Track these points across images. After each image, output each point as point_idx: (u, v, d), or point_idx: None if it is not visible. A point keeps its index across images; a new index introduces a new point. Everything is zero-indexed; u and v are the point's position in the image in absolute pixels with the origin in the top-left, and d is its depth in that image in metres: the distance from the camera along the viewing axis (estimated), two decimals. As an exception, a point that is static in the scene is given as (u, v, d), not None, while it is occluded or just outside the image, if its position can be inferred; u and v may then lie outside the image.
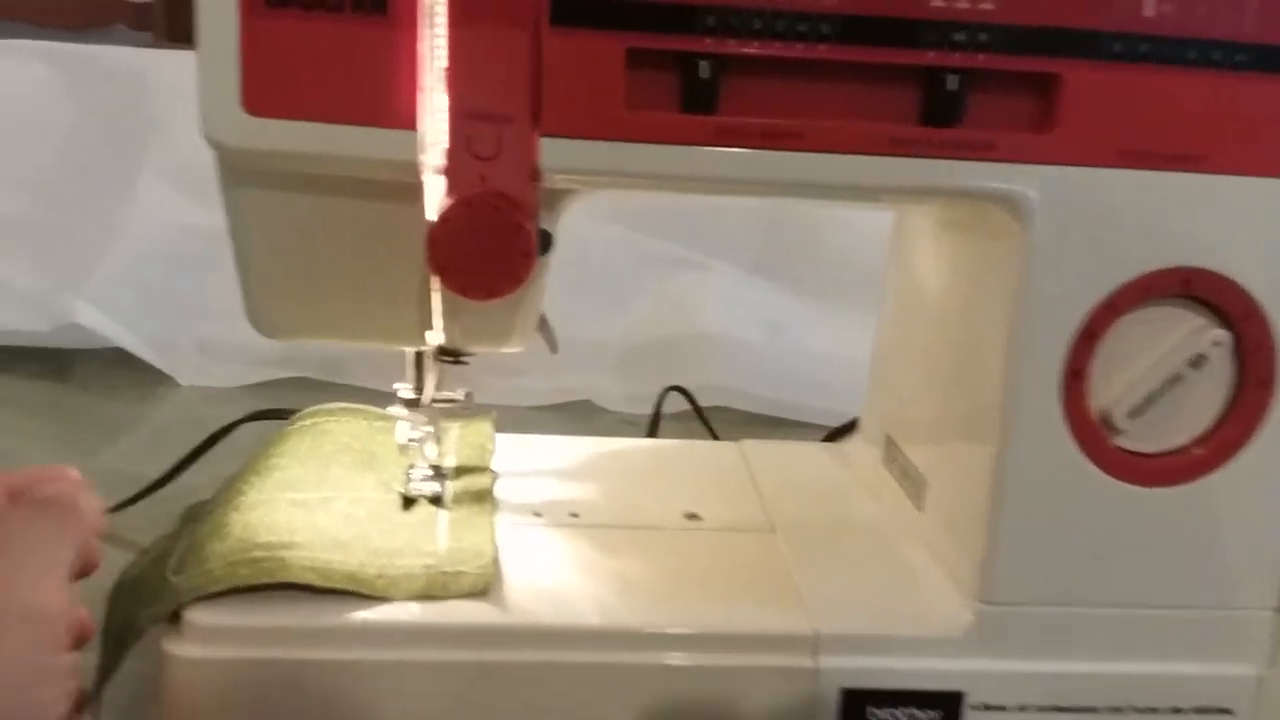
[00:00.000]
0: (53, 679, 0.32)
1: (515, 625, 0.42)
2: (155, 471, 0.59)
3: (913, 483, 0.50)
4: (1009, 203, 0.40)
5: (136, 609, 0.43)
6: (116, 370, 0.80)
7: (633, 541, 0.48)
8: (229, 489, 0.49)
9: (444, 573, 0.43)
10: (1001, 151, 0.39)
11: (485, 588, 0.43)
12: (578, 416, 0.81)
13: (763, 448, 0.58)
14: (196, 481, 0.59)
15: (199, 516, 0.49)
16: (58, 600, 0.33)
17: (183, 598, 0.41)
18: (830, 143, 0.38)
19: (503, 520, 0.49)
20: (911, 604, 0.45)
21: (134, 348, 0.80)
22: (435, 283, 0.42)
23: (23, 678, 0.31)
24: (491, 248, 0.39)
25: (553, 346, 0.49)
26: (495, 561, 0.44)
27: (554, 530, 0.49)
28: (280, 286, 0.43)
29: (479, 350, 0.46)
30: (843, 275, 0.87)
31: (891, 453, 0.53)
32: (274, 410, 0.62)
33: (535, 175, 0.39)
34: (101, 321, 0.79)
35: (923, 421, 0.51)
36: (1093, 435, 0.42)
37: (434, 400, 0.49)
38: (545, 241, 0.41)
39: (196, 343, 0.81)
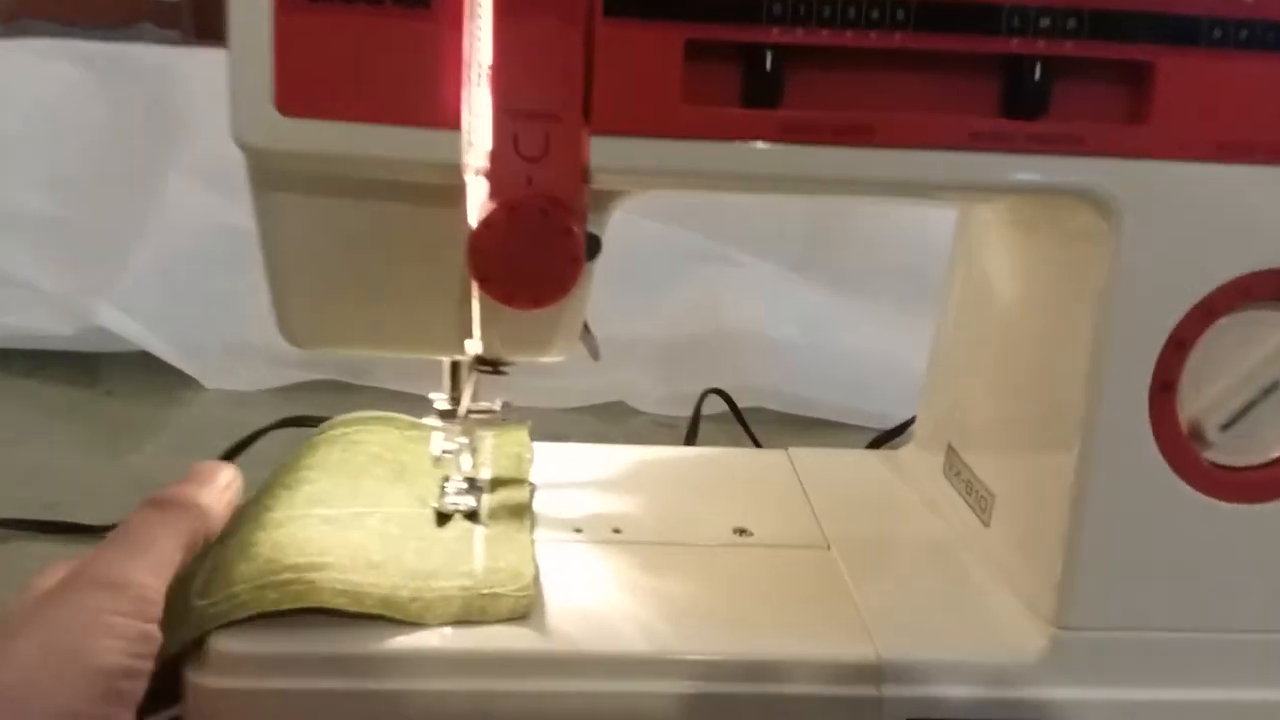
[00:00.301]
0: (111, 635, 0.33)
1: (557, 653, 0.39)
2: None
3: (978, 496, 0.47)
4: (1096, 200, 0.37)
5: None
6: (142, 374, 0.78)
7: (680, 560, 0.45)
8: (255, 504, 0.47)
9: (481, 595, 0.41)
10: (1089, 145, 0.36)
11: (525, 612, 0.41)
12: (611, 418, 0.79)
13: (812, 456, 0.55)
14: None
15: (225, 533, 0.47)
16: (140, 577, 0.34)
17: (207, 624, 0.39)
18: (905, 137, 0.36)
19: (542, 537, 0.46)
20: (980, 628, 0.42)
21: (159, 351, 0.78)
22: (475, 291, 0.39)
23: (78, 625, 0.32)
24: (537, 254, 0.36)
25: (595, 354, 0.47)
26: (535, 583, 0.42)
27: (596, 548, 0.46)
28: (312, 295, 0.41)
29: (519, 360, 0.43)
30: (883, 271, 0.84)
31: (953, 463, 0.51)
32: (302, 417, 0.60)
33: (585, 176, 0.36)
34: (126, 325, 0.77)
35: (990, 431, 0.48)
36: (1181, 449, 0.39)
37: (470, 411, 0.46)
38: (593, 246, 0.39)
39: (222, 345, 0.79)
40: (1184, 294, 0.38)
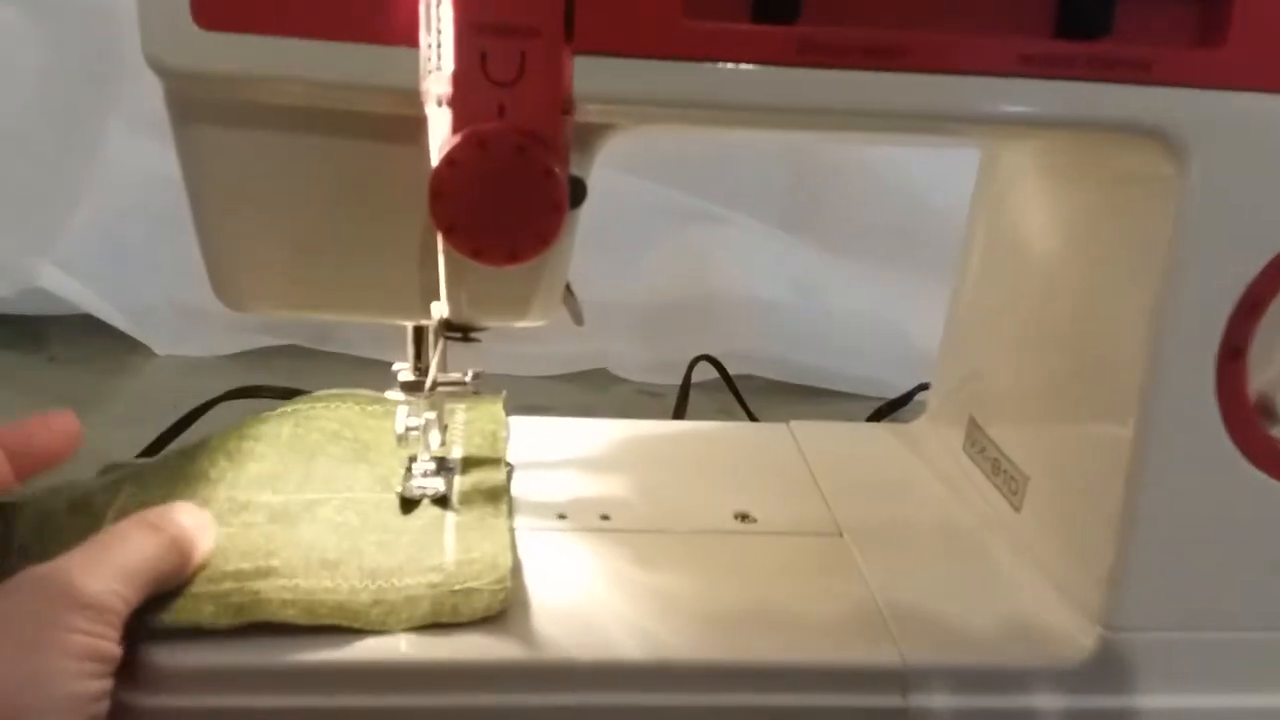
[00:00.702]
0: (70, 655, 0.30)
1: (539, 661, 0.34)
2: (129, 451, 0.53)
3: (1007, 476, 0.43)
4: (1162, 138, 0.32)
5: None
6: (88, 339, 0.73)
7: (676, 550, 0.40)
8: (191, 463, 0.41)
9: (453, 592, 0.36)
10: (1156, 73, 0.31)
11: (502, 608, 0.36)
12: (592, 387, 0.75)
13: (815, 430, 0.50)
14: None
15: (134, 476, 0.41)
16: (94, 585, 0.31)
17: (135, 634, 0.34)
18: (943, 61, 0.30)
19: (521, 525, 0.41)
20: (1016, 628, 0.37)
21: (105, 314, 0.73)
22: (440, 244, 0.34)
23: (26, 637, 0.30)
24: (511, 200, 0.31)
25: (578, 319, 0.42)
26: (513, 575, 0.37)
27: (582, 536, 0.41)
28: (247, 250, 0.35)
29: (492, 324, 0.38)
30: (870, 230, 0.80)
31: (975, 438, 0.46)
32: (258, 387, 0.54)
33: (567, 105, 0.31)
34: (69, 286, 0.72)
35: (1021, 402, 0.43)
36: (1248, 424, 0.34)
37: (437, 383, 0.41)
38: (578, 191, 0.33)
39: (173, 308, 0.74)
40: (1260, 248, 0.33)
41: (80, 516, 0.38)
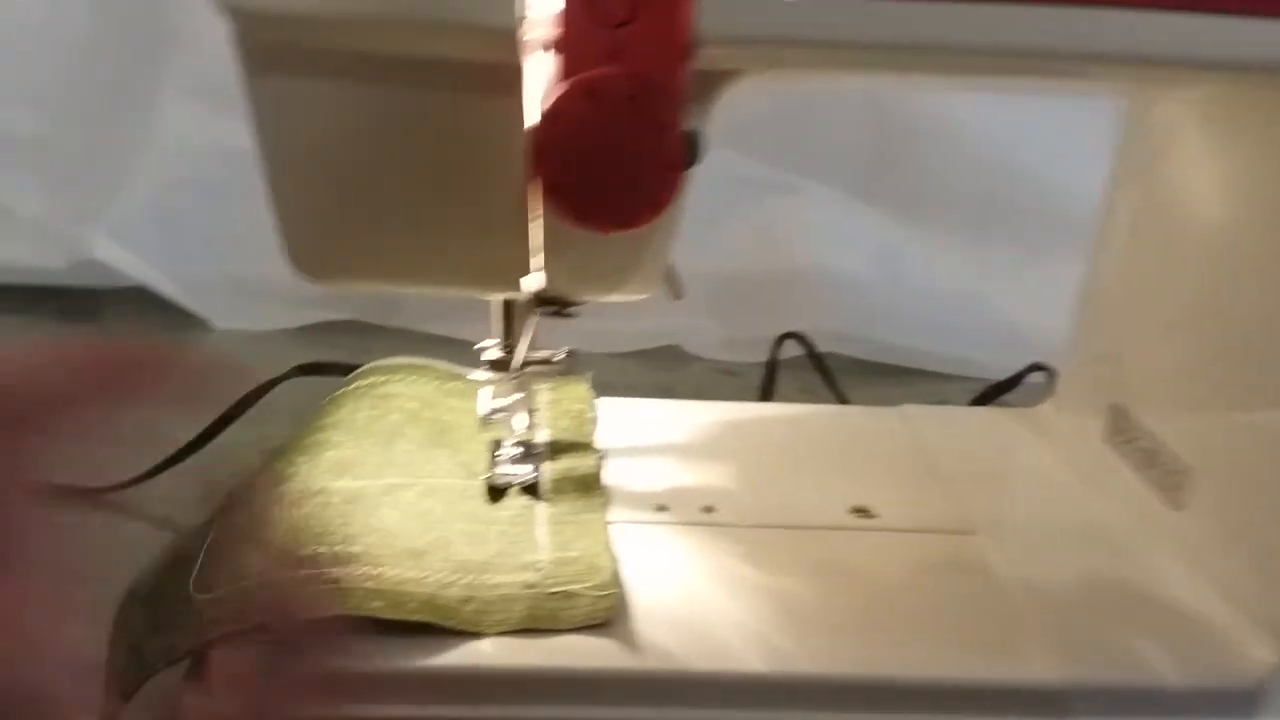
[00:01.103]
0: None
1: (650, 672, 0.31)
2: (186, 432, 0.50)
3: (1164, 470, 0.38)
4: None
5: (148, 636, 0.32)
6: (142, 313, 0.71)
7: (790, 547, 0.37)
8: (268, 471, 0.39)
9: (551, 595, 0.33)
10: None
11: (605, 616, 0.32)
12: (666, 365, 0.71)
13: (928, 415, 0.46)
14: (234, 444, 0.49)
15: (228, 505, 0.38)
16: None
17: (209, 632, 0.31)
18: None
19: (617, 516, 0.38)
20: (1185, 643, 0.33)
21: (161, 286, 0.71)
22: (539, 207, 0.30)
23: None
24: (623, 157, 0.27)
25: (677, 293, 0.38)
26: (617, 579, 0.33)
27: (685, 532, 0.37)
28: (323, 214, 0.31)
29: (592, 298, 0.34)
30: (954, 200, 0.74)
31: (1121, 426, 0.41)
32: (323, 363, 0.51)
33: (688, 48, 0.27)
34: (123, 257, 0.70)
35: (1182, 388, 0.38)
36: None
37: (527, 362, 0.37)
38: (696, 148, 0.29)
39: (231, 280, 0.71)
40: None
41: (180, 575, 0.34)
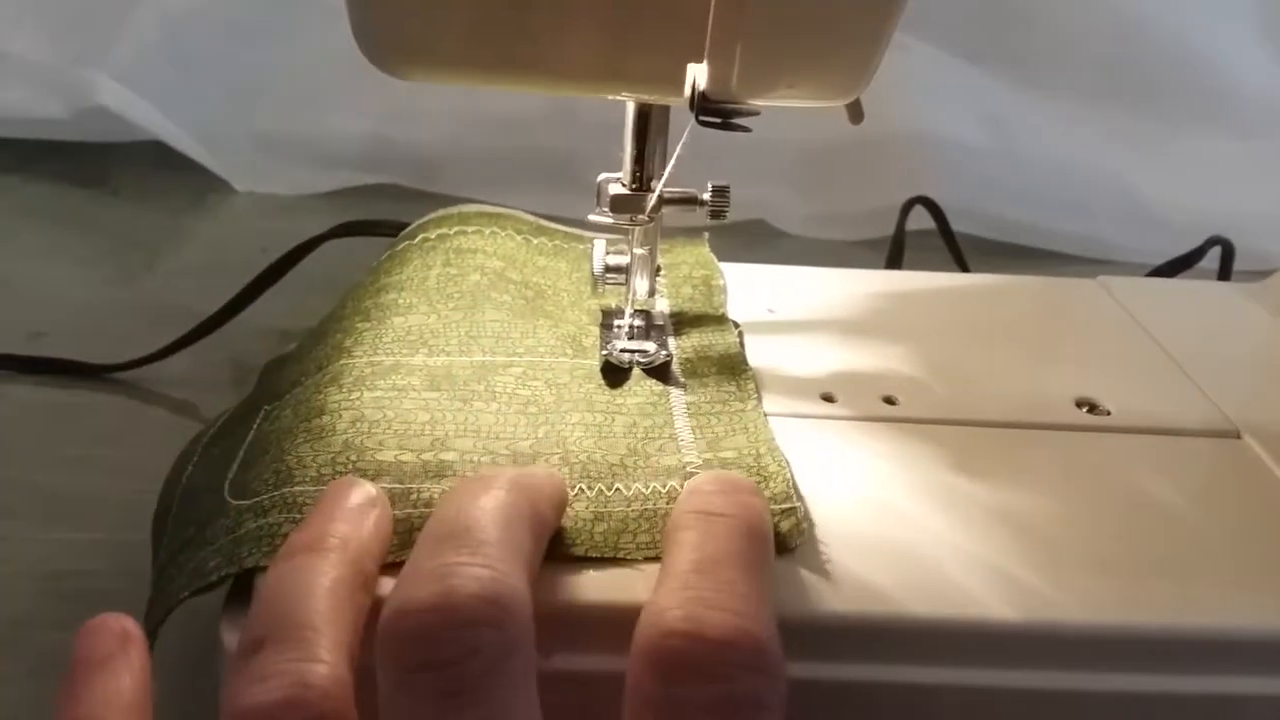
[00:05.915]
0: None
1: (863, 618, 0.22)
2: (208, 305, 0.42)
3: None
4: None
5: (181, 551, 0.24)
6: (156, 170, 0.62)
7: (1009, 453, 0.28)
8: (323, 340, 0.30)
9: (708, 510, 0.24)
10: None
11: (795, 541, 0.24)
12: (752, 241, 0.62)
13: (1142, 288, 0.37)
14: (262, 321, 0.42)
15: (279, 383, 0.30)
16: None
17: (247, 550, 0.22)
18: None
19: (770, 408, 0.29)
20: None
21: (176, 140, 0.62)
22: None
23: None
24: None
25: (858, 116, 0.28)
26: (795, 489, 0.25)
27: (864, 429, 0.29)
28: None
29: (774, 102, 0.25)
30: (1077, 61, 0.66)
31: None
32: (376, 222, 0.42)
33: None
34: (134, 105, 0.61)
35: None
36: None
37: (665, 200, 0.28)
38: None
39: (254, 137, 0.63)
40: None
41: (217, 475, 0.26)
